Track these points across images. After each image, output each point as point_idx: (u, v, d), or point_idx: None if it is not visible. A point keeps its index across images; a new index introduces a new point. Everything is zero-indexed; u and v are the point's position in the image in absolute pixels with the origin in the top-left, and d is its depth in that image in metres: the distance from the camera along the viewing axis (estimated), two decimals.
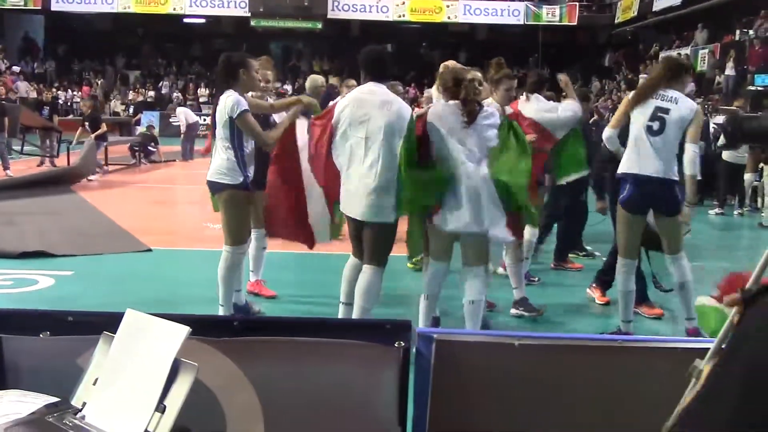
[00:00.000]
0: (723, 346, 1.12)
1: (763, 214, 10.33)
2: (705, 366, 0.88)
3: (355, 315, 4.11)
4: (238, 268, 4.68)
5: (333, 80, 9.53)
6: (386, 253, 4.14)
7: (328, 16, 28.83)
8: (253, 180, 4.49)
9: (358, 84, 4.39)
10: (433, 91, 4.51)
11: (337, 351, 1.93)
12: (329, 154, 4.14)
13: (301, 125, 4.49)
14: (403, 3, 28.90)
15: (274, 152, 4.43)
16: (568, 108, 5.13)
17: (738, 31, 20.92)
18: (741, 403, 0.80)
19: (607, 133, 4.72)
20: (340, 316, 4.28)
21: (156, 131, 17.99)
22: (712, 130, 11.32)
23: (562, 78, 5.37)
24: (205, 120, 20.39)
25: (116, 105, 28.88)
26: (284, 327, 2.00)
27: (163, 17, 29.46)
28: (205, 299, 4.95)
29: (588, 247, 7.34)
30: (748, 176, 10.75)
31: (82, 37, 32.03)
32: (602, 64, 30.98)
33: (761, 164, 10.58)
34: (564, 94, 5.48)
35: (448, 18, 29.30)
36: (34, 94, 27.87)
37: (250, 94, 4.65)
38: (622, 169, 4.56)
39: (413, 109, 4.33)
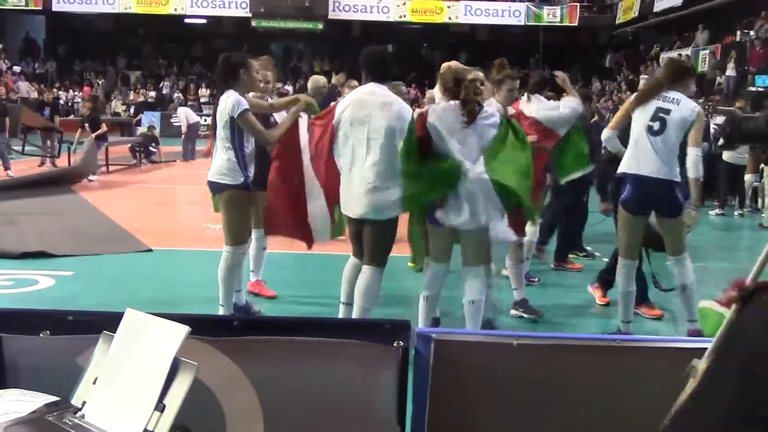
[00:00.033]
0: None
1: (763, 215, 10.32)
2: (701, 365, 0.88)
3: (354, 315, 4.11)
4: (238, 269, 4.69)
5: (333, 80, 9.53)
6: (386, 253, 4.14)
7: (329, 17, 28.83)
8: (253, 180, 4.49)
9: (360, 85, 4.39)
10: (436, 92, 4.51)
11: (337, 351, 1.93)
12: (330, 154, 4.14)
13: (302, 124, 4.50)
14: (404, 3, 28.91)
15: (276, 151, 4.43)
16: (568, 105, 5.13)
17: (739, 32, 20.92)
18: (736, 398, 0.81)
19: (606, 134, 4.72)
20: (340, 316, 4.28)
21: (157, 131, 18.01)
22: (712, 131, 11.31)
23: (559, 75, 5.37)
24: (206, 120, 20.41)
25: (117, 105, 28.88)
26: (283, 326, 2.00)
27: (164, 18, 29.48)
28: (206, 299, 4.96)
29: (588, 248, 7.34)
30: (748, 177, 10.74)
31: (83, 38, 32.06)
32: (603, 65, 30.99)
33: (762, 165, 10.58)
34: (564, 93, 5.48)
35: (449, 18, 29.32)
36: (35, 95, 27.90)
37: (250, 94, 4.65)
38: (622, 168, 4.56)
39: (414, 110, 4.33)
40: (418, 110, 4.43)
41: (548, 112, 5.13)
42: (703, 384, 0.86)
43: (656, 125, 4.41)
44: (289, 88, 25.92)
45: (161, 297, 5.35)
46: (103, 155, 14.18)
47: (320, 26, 29.40)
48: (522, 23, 29.38)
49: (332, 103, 4.48)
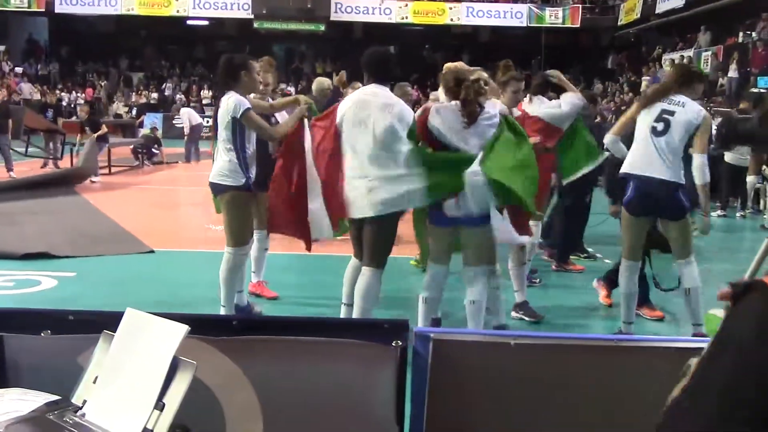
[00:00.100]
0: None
1: (765, 217, 10.31)
2: (695, 361, 0.89)
3: (355, 316, 4.12)
4: (240, 270, 4.70)
5: (334, 80, 9.54)
6: (385, 254, 4.14)
7: (331, 18, 28.86)
8: (255, 181, 4.50)
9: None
10: (440, 93, 4.50)
11: (336, 350, 1.94)
12: (331, 155, 4.14)
13: (305, 125, 4.50)
14: (406, 5, 28.92)
15: (281, 151, 4.43)
16: (569, 100, 5.14)
17: (741, 34, 20.91)
18: (728, 394, 0.81)
19: (609, 138, 4.72)
20: (341, 316, 4.29)
21: (159, 133, 18.03)
22: (714, 132, 11.30)
23: (553, 73, 5.37)
24: (208, 122, 20.44)
25: (119, 107, 28.95)
26: (283, 326, 2.01)
27: (167, 19, 29.52)
28: (207, 300, 4.97)
29: (589, 249, 7.34)
30: (750, 178, 10.73)
31: (86, 39, 32.13)
32: (605, 67, 30.97)
33: (764, 166, 10.57)
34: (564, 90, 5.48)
35: (451, 20, 29.32)
36: (37, 96, 27.98)
37: (251, 95, 4.66)
38: (624, 168, 4.55)
39: (415, 111, 4.34)
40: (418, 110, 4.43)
41: (551, 110, 5.15)
42: (695, 378, 0.87)
43: (660, 126, 4.40)
44: (292, 89, 25.94)
45: (163, 298, 5.36)
46: (105, 156, 14.22)
47: (322, 28, 29.43)
48: (524, 25, 29.37)
49: (334, 104, 4.48)
